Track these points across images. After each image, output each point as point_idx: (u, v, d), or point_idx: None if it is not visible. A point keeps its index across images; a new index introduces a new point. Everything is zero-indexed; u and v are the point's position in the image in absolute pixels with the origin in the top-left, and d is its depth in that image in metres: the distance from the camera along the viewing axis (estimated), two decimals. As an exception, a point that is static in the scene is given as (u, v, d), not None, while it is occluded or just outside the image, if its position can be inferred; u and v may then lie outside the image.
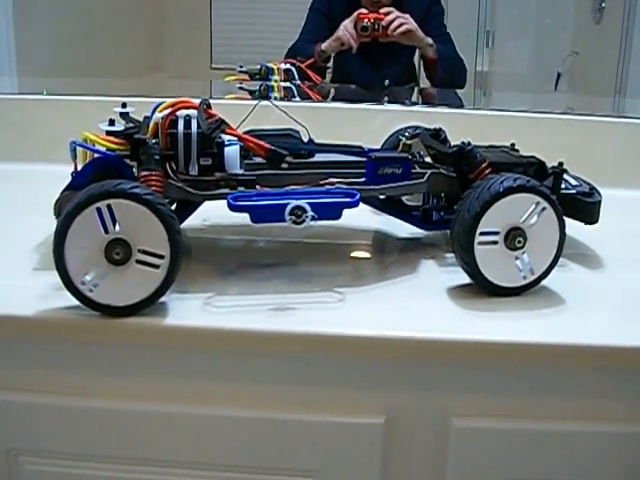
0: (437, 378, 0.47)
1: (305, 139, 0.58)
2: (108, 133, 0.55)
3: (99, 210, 0.44)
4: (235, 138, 0.53)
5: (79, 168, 0.56)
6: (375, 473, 0.47)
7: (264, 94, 0.97)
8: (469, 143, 0.57)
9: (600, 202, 0.57)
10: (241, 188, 0.52)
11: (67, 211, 0.44)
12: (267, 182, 0.53)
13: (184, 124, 0.52)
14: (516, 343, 0.45)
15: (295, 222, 0.48)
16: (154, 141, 0.51)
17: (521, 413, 0.47)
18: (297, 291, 0.50)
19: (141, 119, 0.56)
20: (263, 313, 0.47)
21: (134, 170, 0.52)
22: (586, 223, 0.58)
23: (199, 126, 0.52)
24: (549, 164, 0.58)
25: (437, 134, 0.62)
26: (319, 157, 0.57)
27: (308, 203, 0.48)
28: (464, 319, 0.48)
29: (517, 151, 0.63)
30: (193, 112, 0.53)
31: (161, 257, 0.45)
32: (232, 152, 0.53)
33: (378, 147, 0.65)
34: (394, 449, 0.47)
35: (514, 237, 0.50)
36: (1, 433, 0.48)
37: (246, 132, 0.59)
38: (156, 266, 0.45)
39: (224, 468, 0.49)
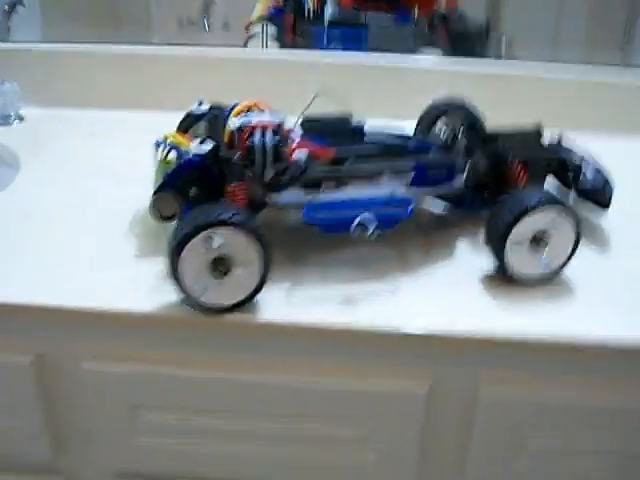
0: (471, 359, 0.59)
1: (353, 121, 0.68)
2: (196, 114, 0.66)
3: (205, 237, 0.54)
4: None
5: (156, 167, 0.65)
6: (416, 434, 0.61)
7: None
8: (504, 145, 0.65)
9: (612, 193, 0.67)
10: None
11: (178, 240, 0.53)
12: (330, 179, 0.63)
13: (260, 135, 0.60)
14: (535, 340, 0.57)
15: (359, 235, 0.58)
16: (236, 156, 0.60)
17: (537, 385, 0.60)
18: (357, 280, 0.61)
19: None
20: (335, 307, 0.58)
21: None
22: (600, 207, 0.68)
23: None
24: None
25: (474, 123, 0.71)
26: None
27: (370, 217, 0.58)
28: (497, 314, 0.59)
29: (541, 135, 0.72)
30: (264, 115, 0.61)
31: (255, 267, 0.55)
32: (300, 155, 0.62)
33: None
34: (432, 414, 0.61)
35: (538, 240, 0.60)
36: (129, 393, 0.61)
37: (305, 120, 0.67)
38: (252, 274, 0.56)
39: (291, 422, 0.62)
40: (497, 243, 0.60)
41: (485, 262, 0.63)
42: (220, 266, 0.55)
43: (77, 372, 0.60)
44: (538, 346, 0.57)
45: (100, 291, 0.59)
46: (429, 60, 0.93)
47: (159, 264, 0.61)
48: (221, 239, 0.54)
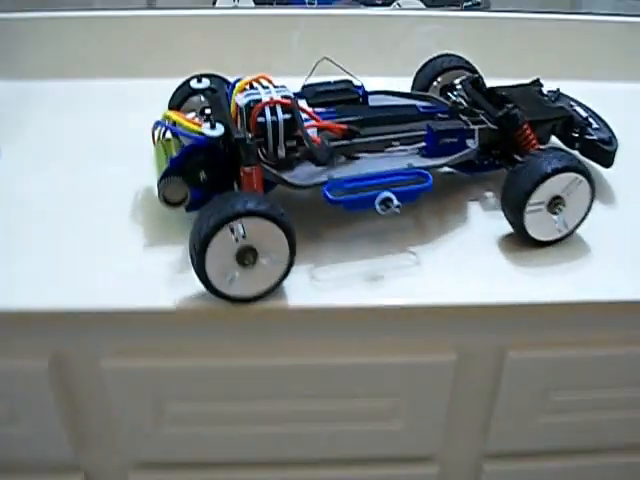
0: (497, 324, 0.60)
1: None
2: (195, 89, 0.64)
3: (231, 228, 0.51)
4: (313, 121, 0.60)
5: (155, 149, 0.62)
6: (445, 400, 0.62)
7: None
8: (513, 106, 0.64)
9: (616, 149, 0.67)
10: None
11: (204, 234, 0.51)
12: (342, 151, 0.61)
13: (270, 112, 0.58)
14: (555, 303, 0.58)
15: (383, 210, 0.57)
16: (250, 136, 0.57)
17: (560, 344, 0.61)
18: (378, 254, 0.60)
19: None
20: (360, 285, 0.57)
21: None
22: (602, 166, 0.68)
23: (283, 112, 0.58)
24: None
25: (477, 81, 0.69)
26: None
27: (393, 192, 0.57)
28: (519, 278, 0.59)
29: (541, 85, 0.71)
30: (270, 90, 0.58)
31: (282, 255, 0.54)
32: (312, 131, 0.59)
33: (422, 93, 0.71)
34: (460, 380, 0.62)
35: (555, 204, 0.60)
36: (154, 387, 0.59)
37: (307, 85, 0.65)
38: (278, 262, 0.54)
39: (324, 401, 0.62)
40: (515, 209, 0.59)
41: (498, 226, 0.63)
42: (246, 256, 0.53)
43: (96, 371, 0.58)
44: (562, 307, 0.58)
45: (114, 288, 0.56)
46: (409, 10, 0.90)
47: (171, 253, 0.59)
48: (248, 229, 0.52)
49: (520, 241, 0.62)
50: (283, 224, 0.53)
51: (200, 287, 0.54)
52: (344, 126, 0.60)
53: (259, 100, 0.58)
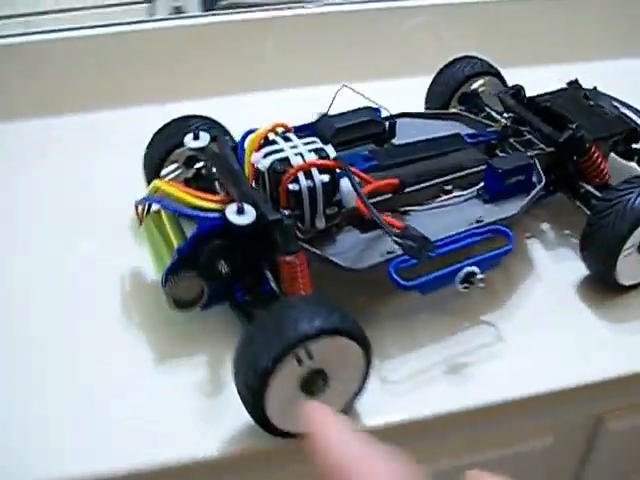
0: (595, 399, 0.50)
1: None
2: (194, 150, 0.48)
3: (297, 356, 0.38)
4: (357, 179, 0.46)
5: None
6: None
7: None
8: (576, 126, 0.53)
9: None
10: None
11: (263, 367, 0.37)
12: (385, 207, 0.49)
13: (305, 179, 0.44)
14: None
15: (466, 288, 0.45)
16: (287, 213, 0.43)
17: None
18: (449, 332, 0.49)
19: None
20: (442, 380, 0.46)
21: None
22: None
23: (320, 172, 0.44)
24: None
25: (518, 92, 0.57)
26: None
27: (475, 262, 0.45)
28: (614, 343, 0.49)
29: (581, 87, 0.60)
30: (296, 144, 0.45)
31: (356, 371, 0.41)
32: (348, 186, 0.46)
33: (453, 111, 0.59)
34: (556, 455, 0.52)
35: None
36: None
37: (322, 115, 0.52)
38: (351, 381, 0.41)
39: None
40: (607, 256, 0.49)
41: (570, 268, 0.53)
42: (314, 382, 0.40)
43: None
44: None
45: (135, 440, 0.42)
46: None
47: (190, 368, 0.46)
48: (316, 351, 0.39)
49: (601, 287, 0.52)
50: (358, 336, 0.40)
51: (244, 419, 0.41)
52: (396, 180, 0.47)
53: (285, 160, 0.44)
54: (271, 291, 0.45)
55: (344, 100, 0.52)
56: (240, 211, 0.42)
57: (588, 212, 0.53)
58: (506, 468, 0.48)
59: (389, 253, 0.46)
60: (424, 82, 0.63)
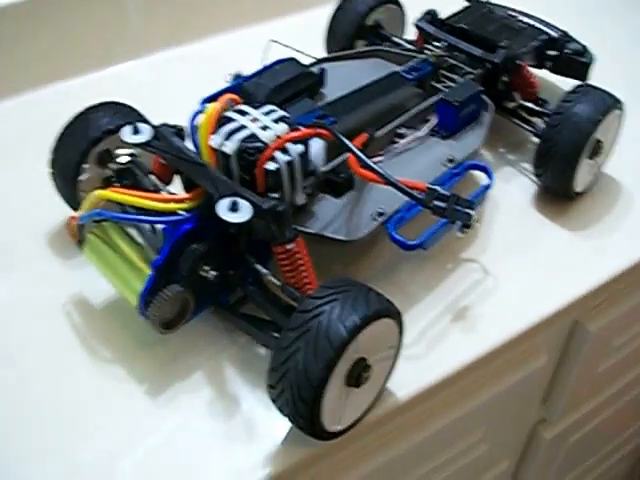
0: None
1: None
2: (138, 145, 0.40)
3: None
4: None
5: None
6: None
7: None
8: (504, 45, 0.51)
9: (592, 59, 0.59)
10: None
11: (319, 378, 0.33)
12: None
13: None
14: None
15: (464, 232, 0.43)
16: (276, 196, 0.38)
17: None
18: (438, 276, 0.47)
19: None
20: (454, 333, 0.44)
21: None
22: (578, 80, 0.59)
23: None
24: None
25: (434, 16, 0.55)
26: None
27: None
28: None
29: (482, 3, 0.59)
30: (256, 116, 0.40)
31: (391, 349, 0.38)
32: (318, 148, 0.42)
33: (371, 48, 0.55)
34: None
35: (595, 149, 0.50)
36: None
37: (237, 77, 0.47)
38: (386, 359, 0.38)
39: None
40: (566, 166, 0.49)
41: (525, 192, 0.53)
42: (360, 373, 0.36)
43: None
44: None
45: None
46: None
47: (189, 397, 0.40)
48: (359, 341, 0.35)
49: (555, 199, 0.52)
50: (394, 311, 0.37)
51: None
52: (365, 135, 0.43)
53: (252, 137, 0.39)
54: (260, 284, 0.40)
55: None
56: (234, 207, 0.36)
57: (527, 127, 0.53)
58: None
59: (380, 215, 0.42)
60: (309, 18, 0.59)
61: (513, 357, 0.49)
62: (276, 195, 0.38)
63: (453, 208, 0.39)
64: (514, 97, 0.53)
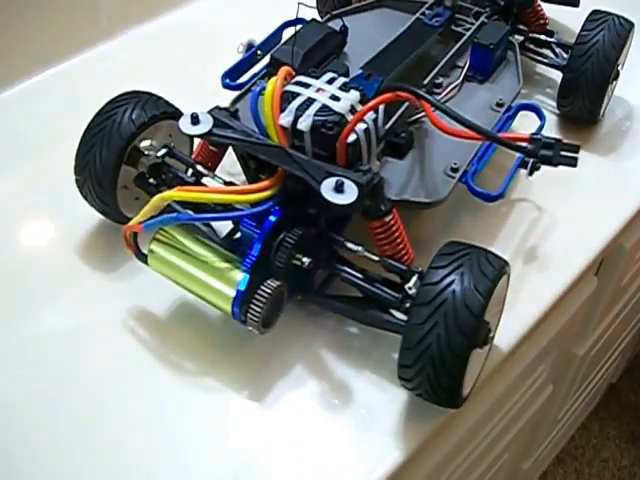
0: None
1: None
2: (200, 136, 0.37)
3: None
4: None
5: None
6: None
7: None
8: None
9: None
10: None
11: (466, 347, 0.32)
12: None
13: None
14: None
15: (532, 174, 0.42)
16: (366, 169, 0.36)
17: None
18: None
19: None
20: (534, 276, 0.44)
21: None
22: (571, 6, 0.59)
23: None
24: None
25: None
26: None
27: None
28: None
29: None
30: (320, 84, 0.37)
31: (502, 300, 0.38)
32: (380, 111, 0.40)
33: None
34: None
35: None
36: None
37: (249, 45, 0.45)
38: (498, 312, 0.38)
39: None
40: (594, 90, 0.49)
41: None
42: (486, 334, 0.35)
43: None
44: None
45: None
46: None
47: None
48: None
49: (579, 127, 0.52)
50: (508, 264, 0.36)
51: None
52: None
53: (323, 109, 0.36)
54: (348, 262, 0.38)
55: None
56: (339, 189, 0.33)
57: (543, 60, 0.53)
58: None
59: (454, 170, 0.41)
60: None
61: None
62: (363, 168, 0.36)
63: (559, 154, 0.38)
64: (524, 31, 0.53)
